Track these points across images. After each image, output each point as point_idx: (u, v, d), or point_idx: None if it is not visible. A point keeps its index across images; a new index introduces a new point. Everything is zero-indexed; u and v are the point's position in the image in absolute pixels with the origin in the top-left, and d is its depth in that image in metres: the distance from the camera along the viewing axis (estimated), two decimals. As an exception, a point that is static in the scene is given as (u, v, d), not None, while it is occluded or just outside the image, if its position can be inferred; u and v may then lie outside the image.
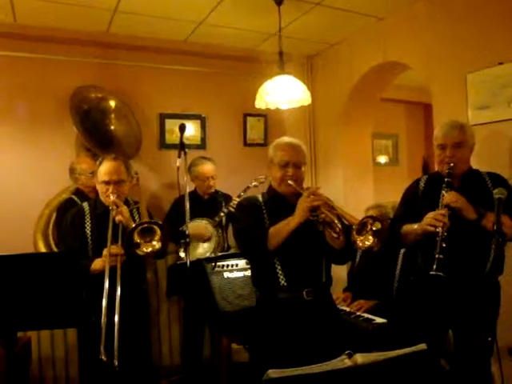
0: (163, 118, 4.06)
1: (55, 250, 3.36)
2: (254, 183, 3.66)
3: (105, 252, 2.36)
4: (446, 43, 3.08)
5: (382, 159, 5.92)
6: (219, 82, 4.27)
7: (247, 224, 2.21)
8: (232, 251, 3.43)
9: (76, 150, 3.49)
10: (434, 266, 2.07)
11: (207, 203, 3.69)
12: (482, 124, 2.86)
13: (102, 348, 2.02)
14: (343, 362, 1.33)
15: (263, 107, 3.22)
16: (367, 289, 3.16)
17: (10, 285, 1.64)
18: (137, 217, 2.66)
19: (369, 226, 1.96)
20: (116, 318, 2.10)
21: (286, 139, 2.32)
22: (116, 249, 2.33)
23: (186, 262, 2.87)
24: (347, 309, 3.02)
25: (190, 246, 2.82)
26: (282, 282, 2.13)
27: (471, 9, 2.92)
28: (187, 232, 2.82)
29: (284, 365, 1.92)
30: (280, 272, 2.14)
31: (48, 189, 3.44)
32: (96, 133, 3.53)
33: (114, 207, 2.43)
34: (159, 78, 4.02)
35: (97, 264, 2.39)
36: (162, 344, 3.96)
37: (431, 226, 2.16)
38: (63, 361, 3.53)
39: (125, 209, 2.47)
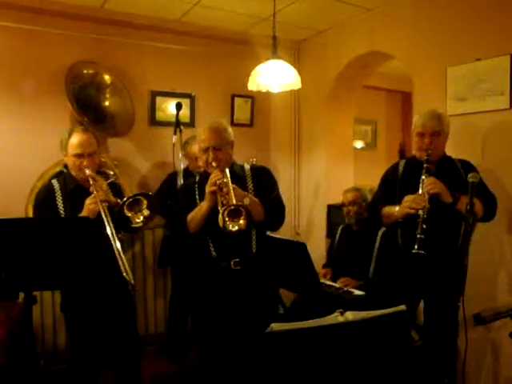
0: (154, 95, 4.14)
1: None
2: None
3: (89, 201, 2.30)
4: (429, 37, 3.27)
5: (359, 144, 6.13)
6: (209, 63, 4.36)
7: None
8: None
9: (71, 124, 3.54)
10: (416, 246, 2.28)
11: None
12: (458, 115, 3.07)
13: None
14: (336, 318, 1.53)
15: (254, 89, 3.35)
16: (346, 266, 3.39)
17: (36, 245, 1.76)
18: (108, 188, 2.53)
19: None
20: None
21: (207, 124, 2.43)
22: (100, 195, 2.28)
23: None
24: (332, 283, 3.24)
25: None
26: (213, 253, 2.37)
27: (454, 6, 3.10)
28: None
29: (210, 327, 2.23)
30: (211, 245, 2.37)
31: (42, 162, 3.46)
32: (90, 108, 3.58)
33: (92, 182, 2.34)
34: (151, 55, 4.08)
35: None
36: (148, 314, 4.13)
37: (412, 208, 2.35)
38: (51, 328, 3.65)
39: (102, 182, 2.42)
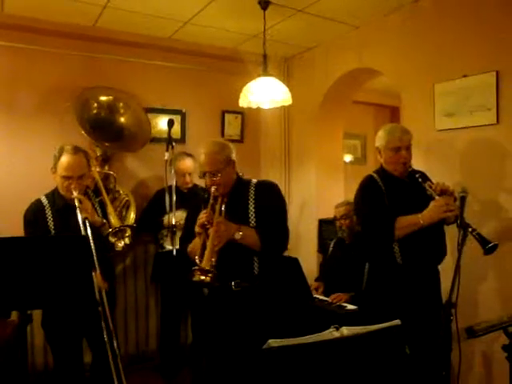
0: (146, 111, 4.14)
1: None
2: None
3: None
4: (416, 54, 3.34)
5: (348, 158, 6.20)
6: (200, 79, 4.40)
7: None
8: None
9: (89, 146, 3.46)
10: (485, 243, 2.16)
11: (186, 196, 3.84)
12: (446, 130, 3.14)
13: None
14: (332, 333, 1.55)
15: (245, 106, 3.40)
16: (339, 280, 3.40)
17: (27, 264, 1.76)
18: (99, 209, 2.63)
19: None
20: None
21: (202, 148, 2.35)
22: (102, 284, 2.18)
23: (172, 250, 3.06)
24: (324, 298, 3.26)
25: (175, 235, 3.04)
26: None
27: (441, 24, 3.18)
28: (174, 222, 3.01)
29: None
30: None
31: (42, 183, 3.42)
32: (110, 130, 3.68)
33: (78, 204, 2.30)
34: (142, 72, 4.12)
35: None
36: (139, 331, 4.10)
37: (451, 211, 2.27)
38: (42, 348, 3.60)
39: (88, 205, 2.39)
